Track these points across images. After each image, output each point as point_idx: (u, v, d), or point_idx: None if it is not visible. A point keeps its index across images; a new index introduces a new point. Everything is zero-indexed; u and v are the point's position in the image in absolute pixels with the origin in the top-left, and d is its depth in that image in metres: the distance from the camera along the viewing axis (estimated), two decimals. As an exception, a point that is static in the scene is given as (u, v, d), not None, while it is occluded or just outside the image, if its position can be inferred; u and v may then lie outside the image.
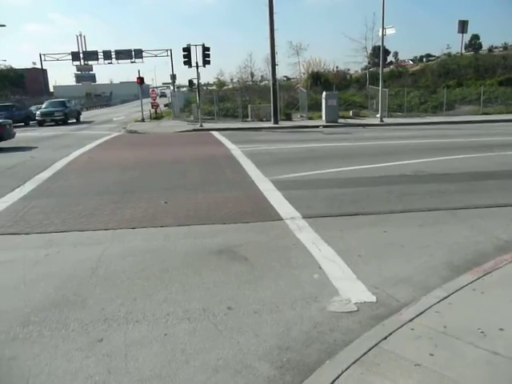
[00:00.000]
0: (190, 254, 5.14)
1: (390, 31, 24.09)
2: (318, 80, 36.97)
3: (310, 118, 26.00)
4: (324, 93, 24.74)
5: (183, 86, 74.08)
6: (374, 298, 3.99)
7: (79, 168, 11.67)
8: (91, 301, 4.03)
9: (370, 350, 3.04)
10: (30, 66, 78.48)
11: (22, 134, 23.68)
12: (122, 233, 6.02)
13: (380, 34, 24.22)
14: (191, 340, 3.37)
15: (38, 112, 31.25)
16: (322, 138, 17.77)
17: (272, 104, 23.83)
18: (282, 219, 6.41)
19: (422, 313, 3.51)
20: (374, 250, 5.20)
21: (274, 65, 24.27)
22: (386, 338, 3.17)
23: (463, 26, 49.47)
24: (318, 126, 22.25)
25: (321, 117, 24.83)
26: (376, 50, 42.07)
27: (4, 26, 44.25)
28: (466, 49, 59.73)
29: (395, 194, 7.73)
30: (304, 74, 40.68)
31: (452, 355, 2.95)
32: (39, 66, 66.83)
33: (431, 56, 67.03)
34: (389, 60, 66.84)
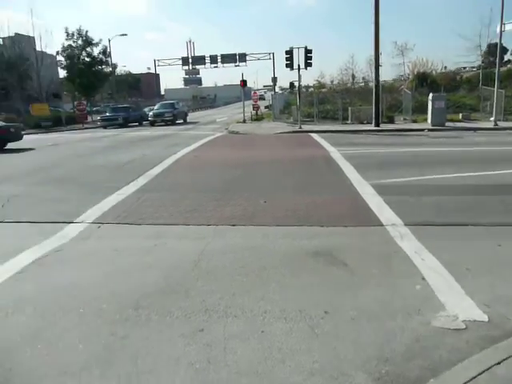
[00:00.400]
0: (288, 254, 5.18)
1: (509, 27, 21.94)
2: (424, 81, 35.00)
3: (414, 121, 24.69)
4: (430, 94, 23.33)
5: (283, 89, 75.05)
6: (485, 317, 3.66)
7: (185, 165, 12.40)
8: (193, 292, 4.26)
9: (480, 374, 2.79)
10: (145, 70, 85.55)
11: (137, 133, 25.86)
12: (222, 229, 6.27)
13: (498, 30, 22.18)
14: (287, 340, 3.39)
15: (150, 113, 33.90)
16: (427, 142, 16.77)
17: (374, 106, 23.08)
18: (382, 225, 6.18)
19: (544, 339, 3.14)
20: (486, 264, 4.76)
21: (377, 66, 23.49)
22: (499, 362, 2.89)
23: None
24: (422, 130, 21.05)
25: (426, 120, 23.44)
26: (491, 47, 38.64)
27: (126, 35, 48.69)
28: None
29: (511, 205, 7.02)
30: (409, 75, 38.84)
31: None
32: (153, 71, 72.28)
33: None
34: (506, 59, 60.86)
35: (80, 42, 43.01)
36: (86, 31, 43.11)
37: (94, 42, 43.57)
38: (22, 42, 47.50)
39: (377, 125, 22.90)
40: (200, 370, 3.05)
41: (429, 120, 22.89)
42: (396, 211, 6.72)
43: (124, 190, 8.99)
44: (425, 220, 6.35)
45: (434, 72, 38.48)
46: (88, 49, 43.45)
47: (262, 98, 72.54)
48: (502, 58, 23.93)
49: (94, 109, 49.49)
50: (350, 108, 26.90)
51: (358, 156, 12.81)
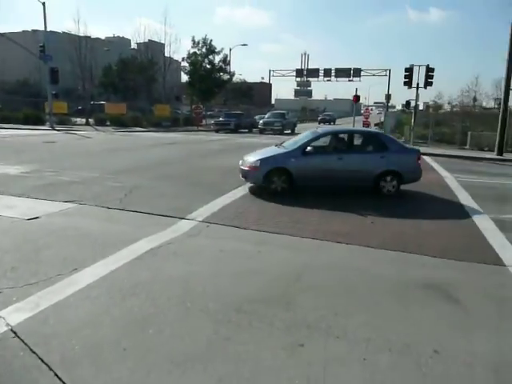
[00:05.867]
0: (395, 281, 4.92)
1: None
2: None
3: (547, 153, 22.13)
4: None
5: (394, 107, 72.33)
6: None
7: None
8: (295, 305, 4.24)
9: None
10: (258, 79, 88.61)
11: (246, 140, 26.76)
12: (327, 244, 6.18)
13: None
14: (392, 374, 3.20)
15: (260, 121, 34.93)
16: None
17: (498, 132, 21.19)
18: (504, 265, 5.59)
19: None
20: None
21: (507, 89, 21.53)
22: None
23: None
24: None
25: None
26: None
27: (246, 45, 50.80)
28: None
29: None
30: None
31: None
32: (266, 81, 74.53)
33: None
34: None
35: (204, 49, 45.85)
36: (211, 40, 45.85)
37: (216, 50, 46.20)
38: (154, 48, 52.23)
39: (500, 153, 20.98)
40: (299, 387, 3.01)
41: None
42: (521, 252, 6.04)
43: (233, 193, 9.33)
44: (557, 266, 5.61)
45: None
46: (210, 56, 46.16)
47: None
48: None
49: (208, 113, 52.43)
50: (469, 133, 25.01)
51: (476, 185, 11.81)
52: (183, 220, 7.07)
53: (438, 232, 7.06)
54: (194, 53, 45.22)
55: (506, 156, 20.74)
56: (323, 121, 60.58)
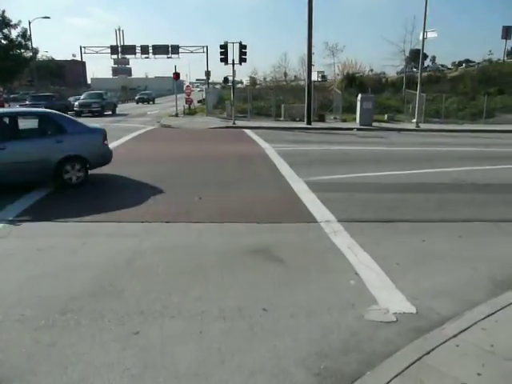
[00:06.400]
0: (224, 251, 5.12)
1: (431, 34, 23.49)
2: (353, 82, 36.51)
3: (344, 120, 25.66)
4: (359, 95, 24.36)
5: (216, 83, 74.63)
6: (413, 310, 3.86)
7: (116, 160, 11.83)
8: (127, 293, 4.06)
9: (412, 364, 2.93)
10: (70, 57, 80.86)
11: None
12: (156, 226, 6.06)
13: (420, 37, 23.68)
14: (227, 340, 3.33)
15: (76, 103, 32.06)
16: (356, 141, 17.49)
17: (306, 104, 23.64)
18: (316, 222, 6.32)
19: (467, 329, 3.36)
20: (413, 258, 5.04)
21: (310, 65, 24.08)
22: (428, 352, 3.05)
23: (507, 32, 47.87)
24: (351, 129, 21.93)
25: (355, 119, 24.46)
26: (412, 53, 41.25)
27: (48, 17, 45.45)
28: (507, 56, 57.52)
29: (434, 202, 7.50)
30: (338, 75, 40.29)
31: (501, 376, 2.81)
32: (79, 58, 68.55)
33: (470, 62, 64.80)
34: (426, 64, 65.27)
35: (-5, 22, 39.73)
36: (3, 11, 39.85)
37: (12, 23, 40.36)
38: None
39: (309, 123, 23.48)
40: (136, 376, 2.90)
41: (357, 120, 23.89)
42: (329, 208, 6.90)
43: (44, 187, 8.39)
44: (357, 217, 6.59)
45: (362, 74, 40.22)
46: (5, 30, 40.17)
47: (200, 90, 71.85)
48: (422, 63, 25.56)
49: (12, 96, 45.94)
50: (283, 105, 27.33)
51: (291, 153, 13.02)
52: (-13, 221, 6.08)
53: (261, 200, 7.57)
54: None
55: (314, 125, 23.35)
56: (141, 100, 56.42)
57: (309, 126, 22.95)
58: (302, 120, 24.49)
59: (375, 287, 4.25)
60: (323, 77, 43.46)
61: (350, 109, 26.29)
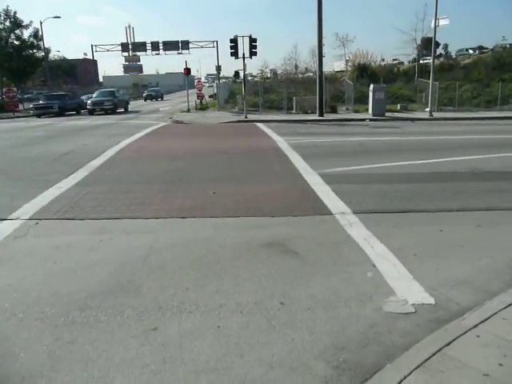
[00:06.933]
0: (240, 245, 5.12)
1: (443, 22, 23.08)
2: (365, 72, 36.17)
3: (356, 111, 25.44)
4: (371, 85, 24.10)
5: (227, 78, 74.50)
6: (432, 300, 3.81)
7: (129, 156, 11.93)
8: (145, 289, 4.09)
9: (432, 355, 2.89)
10: (81, 56, 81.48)
11: (74, 123, 24.59)
12: (172, 222, 6.09)
13: (432, 24, 23.28)
14: (245, 334, 3.33)
15: (88, 101, 32.35)
16: (370, 132, 17.33)
17: (318, 96, 23.49)
18: (331, 214, 6.27)
19: (487, 319, 3.30)
20: (430, 249, 4.98)
21: (320, 56, 23.89)
22: (449, 343, 3.00)
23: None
24: (364, 120, 21.73)
25: (367, 110, 24.22)
26: (424, 41, 40.63)
27: (59, 17, 45.83)
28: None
29: (450, 192, 7.39)
30: (350, 66, 39.91)
31: (524, 367, 2.76)
32: (90, 57, 68.99)
33: (484, 48, 63.32)
34: (438, 52, 64.18)
35: (8, 23, 40.04)
36: (15, 12, 40.19)
37: (24, 24, 40.69)
38: None
39: (321, 114, 23.34)
40: (156, 371, 2.92)
41: (370, 110, 23.66)
42: (344, 200, 6.85)
43: (63, 183, 8.47)
44: (372, 208, 6.53)
45: (373, 64, 39.80)
46: (17, 31, 40.55)
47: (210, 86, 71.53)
48: (435, 51, 25.11)
49: (26, 96, 46.48)
50: (294, 98, 27.20)
51: (304, 146, 12.96)
52: (4, 221, 6.17)
53: (275, 193, 7.55)
54: (-4, 27, 39.24)
55: (326, 116, 23.19)
56: (149, 97, 55.78)
57: (321, 118, 22.82)
58: (313, 112, 24.36)
59: (393, 279, 4.21)
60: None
61: (362, 99, 26.05)
